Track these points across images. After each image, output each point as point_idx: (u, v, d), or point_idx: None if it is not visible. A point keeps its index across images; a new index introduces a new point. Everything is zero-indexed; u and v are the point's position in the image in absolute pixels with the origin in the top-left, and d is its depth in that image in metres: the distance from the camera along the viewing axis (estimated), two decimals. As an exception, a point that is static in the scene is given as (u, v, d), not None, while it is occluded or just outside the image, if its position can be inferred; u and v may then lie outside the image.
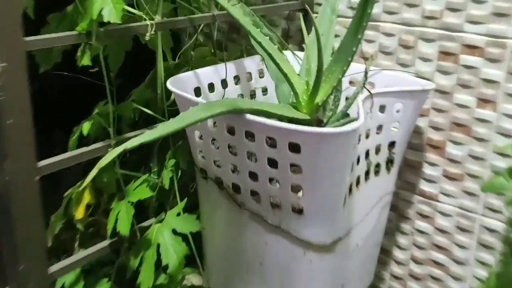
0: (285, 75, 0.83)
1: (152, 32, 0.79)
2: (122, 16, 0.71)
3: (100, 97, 0.97)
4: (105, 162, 0.63)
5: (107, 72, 0.87)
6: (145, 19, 0.79)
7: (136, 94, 0.94)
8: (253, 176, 0.80)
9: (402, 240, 1.12)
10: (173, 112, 0.92)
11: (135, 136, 0.84)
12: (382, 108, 0.89)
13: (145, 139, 0.64)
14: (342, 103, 1.03)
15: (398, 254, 1.13)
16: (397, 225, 1.11)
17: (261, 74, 1.04)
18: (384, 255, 1.14)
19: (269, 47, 0.81)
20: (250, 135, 0.77)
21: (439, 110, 0.99)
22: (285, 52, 0.98)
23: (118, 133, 0.94)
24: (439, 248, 1.06)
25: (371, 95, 0.85)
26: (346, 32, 0.80)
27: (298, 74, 0.86)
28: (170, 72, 0.98)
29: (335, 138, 0.72)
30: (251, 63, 1.02)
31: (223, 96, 0.95)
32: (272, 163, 0.76)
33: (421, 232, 1.08)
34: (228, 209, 0.85)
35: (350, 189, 0.83)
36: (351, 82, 1.05)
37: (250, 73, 1.02)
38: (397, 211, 1.10)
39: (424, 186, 1.05)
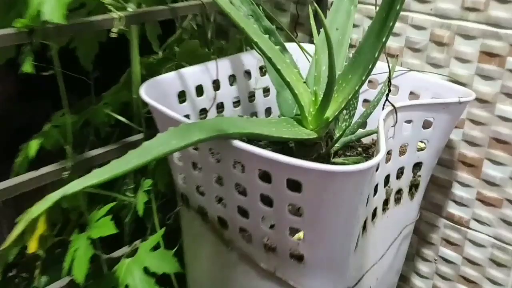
0: (287, 83, 0.66)
1: (121, 27, 0.62)
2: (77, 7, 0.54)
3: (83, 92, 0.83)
4: (37, 212, 0.47)
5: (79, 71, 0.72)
6: (109, 10, 0.62)
7: (108, 97, 0.77)
8: (243, 211, 0.64)
9: (423, 267, 0.96)
10: (151, 120, 0.76)
11: (101, 154, 0.70)
12: (407, 123, 0.72)
13: (90, 181, 0.48)
14: (360, 110, 0.86)
15: (418, 282, 0.97)
16: (419, 250, 0.95)
17: (263, 70, 0.87)
18: (402, 282, 0.98)
19: (268, 49, 0.64)
20: (239, 164, 0.60)
21: (477, 122, 0.82)
22: (292, 45, 0.80)
23: (98, 137, 0.79)
24: (468, 281, 0.90)
25: (395, 110, 0.68)
26: (367, 32, 0.62)
27: (304, 82, 0.69)
28: (153, 69, 0.82)
29: (347, 177, 0.55)
30: (251, 59, 0.85)
31: (214, 99, 0.79)
32: (267, 199, 0.60)
33: (446, 260, 0.92)
34: (214, 246, 0.70)
35: (364, 226, 0.67)
36: (369, 82, 0.87)
37: (249, 71, 0.85)
38: (420, 235, 0.94)
39: (453, 209, 0.88)
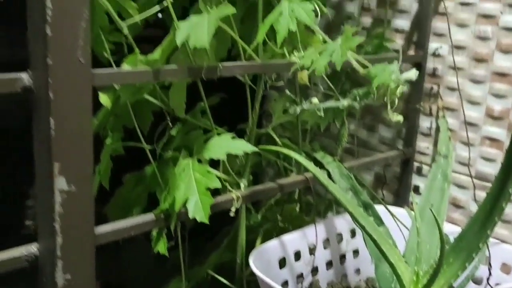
0: (391, 264, 0.69)
1: (238, 206, 0.68)
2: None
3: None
4: None
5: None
6: (230, 190, 0.68)
7: (213, 259, 0.82)
8: None
9: None
10: (253, 282, 0.80)
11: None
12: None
13: None
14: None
15: None
16: None
17: (352, 234, 0.91)
18: None
19: (374, 232, 0.69)
20: None
21: None
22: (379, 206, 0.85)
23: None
24: None
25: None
26: (472, 219, 0.66)
27: (406, 261, 0.72)
28: (252, 230, 0.87)
29: None
30: (343, 223, 0.89)
31: (312, 265, 0.82)
32: None
33: None
34: None
35: None
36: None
37: (340, 234, 0.89)
38: None
39: None
